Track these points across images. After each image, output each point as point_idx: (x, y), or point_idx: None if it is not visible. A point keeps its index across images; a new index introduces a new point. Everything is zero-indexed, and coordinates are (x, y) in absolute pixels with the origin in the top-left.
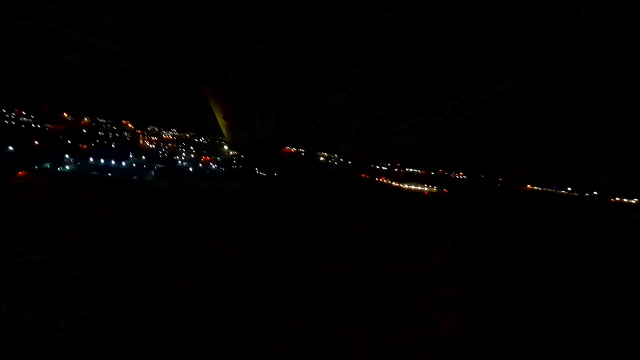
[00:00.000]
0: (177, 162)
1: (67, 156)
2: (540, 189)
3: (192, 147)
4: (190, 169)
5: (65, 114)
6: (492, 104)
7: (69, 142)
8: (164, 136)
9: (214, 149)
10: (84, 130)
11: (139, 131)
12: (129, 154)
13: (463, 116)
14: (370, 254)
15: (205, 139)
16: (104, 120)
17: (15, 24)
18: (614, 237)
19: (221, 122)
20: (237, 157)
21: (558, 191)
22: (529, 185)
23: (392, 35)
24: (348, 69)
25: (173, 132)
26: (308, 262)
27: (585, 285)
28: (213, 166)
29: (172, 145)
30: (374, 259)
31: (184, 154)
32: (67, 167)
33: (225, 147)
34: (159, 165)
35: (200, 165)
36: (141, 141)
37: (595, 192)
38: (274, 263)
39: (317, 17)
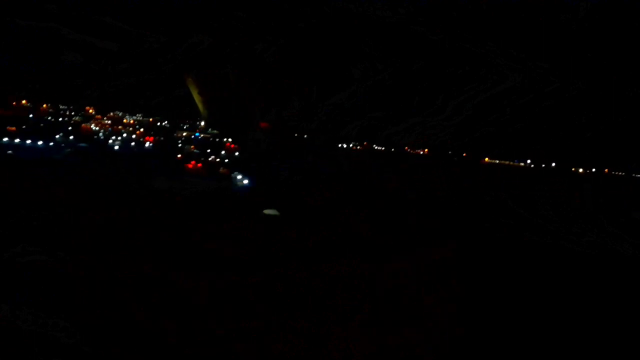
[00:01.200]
0: (108, 142)
1: None
2: (497, 161)
3: (142, 129)
4: (116, 147)
5: (24, 101)
6: (492, 104)
7: None
8: (125, 120)
9: (170, 131)
10: (31, 115)
11: (99, 116)
12: (56, 135)
13: (463, 116)
14: (370, 254)
15: (169, 123)
16: (65, 107)
17: (15, 24)
18: (614, 237)
19: (197, 98)
20: (187, 137)
21: (518, 164)
22: (486, 159)
23: (392, 35)
24: (348, 69)
25: (137, 116)
26: (308, 262)
27: (585, 285)
28: (147, 144)
29: (121, 127)
30: (374, 259)
31: (124, 135)
32: None
33: (202, 123)
34: (82, 145)
35: (133, 143)
36: (85, 125)
37: (553, 164)
38: (274, 263)
39: (317, 17)
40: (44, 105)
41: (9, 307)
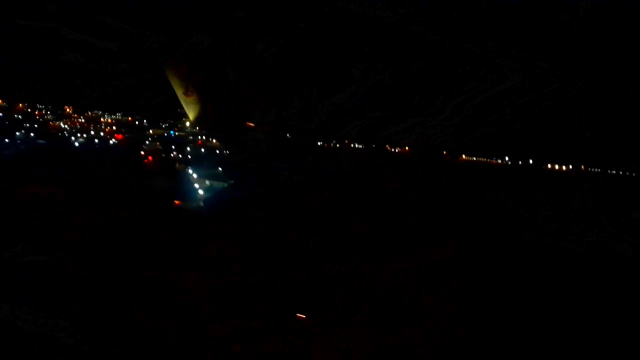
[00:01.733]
0: (70, 140)
1: None
2: (474, 158)
3: (114, 127)
4: (76, 144)
5: (0, 101)
6: (492, 104)
7: None
8: (102, 120)
9: (145, 129)
10: (0, 114)
11: (75, 115)
12: (18, 132)
13: (463, 116)
14: (370, 254)
15: (148, 123)
16: (43, 106)
17: (15, 24)
18: (614, 237)
19: (182, 99)
20: (159, 135)
21: (496, 161)
22: (464, 156)
23: (392, 35)
24: (348, 69)
25: (116, 116)
26: (308, 262)
27: (585, 285)
28: (112, 141)
29: (91, 125)
30: (374, 259)
31: (91, 132)
32: None
33: (188, 124)
34: (40, 141)
35: (97, 140)
36: (53, 123)
37: (530, 161)
38: (274, 263)
39: (317, 17)
40: (20, 105)
41: (9, 307)
